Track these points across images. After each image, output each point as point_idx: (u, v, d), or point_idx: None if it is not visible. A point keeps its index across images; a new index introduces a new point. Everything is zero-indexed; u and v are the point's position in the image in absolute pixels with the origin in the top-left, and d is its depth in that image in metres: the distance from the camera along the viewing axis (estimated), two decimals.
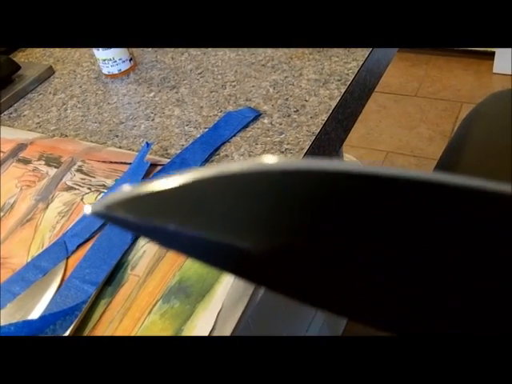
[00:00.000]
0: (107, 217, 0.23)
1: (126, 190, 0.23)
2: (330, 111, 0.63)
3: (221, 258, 0.24)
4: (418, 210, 0.20)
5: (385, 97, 2.15)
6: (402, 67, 2.29)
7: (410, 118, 2.05)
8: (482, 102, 0.88)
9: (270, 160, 0.21)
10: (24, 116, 0.75)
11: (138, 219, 0.22)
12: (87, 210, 0.23)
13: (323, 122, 0.62)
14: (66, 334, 0.45)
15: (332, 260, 0.22)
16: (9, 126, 0.74)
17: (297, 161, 0.21)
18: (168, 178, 0.22)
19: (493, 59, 2.17)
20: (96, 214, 0.23)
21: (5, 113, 0.77)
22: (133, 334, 0.45)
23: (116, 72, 0.78)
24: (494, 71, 2.18)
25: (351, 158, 1.60)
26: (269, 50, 0.77)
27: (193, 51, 0.81)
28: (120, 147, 0.66)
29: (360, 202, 0.20)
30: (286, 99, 0.67)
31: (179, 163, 0.60)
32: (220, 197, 0.22)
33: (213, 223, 0.22)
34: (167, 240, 0.25)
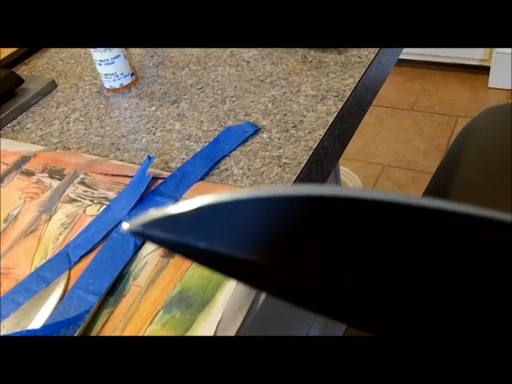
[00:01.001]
0: (143, 235, 0.25)
1: (160, 210, 0.25)
2: (328, 126, 0.65)
3: (239, 270, 0.26)
4: (407, 235, 0.21)
5: (381, 110, 2.17)
6: (398, 81, 2.31)
7: (406, 132, 2.07)
8: (476, 117, 0.90)
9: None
10: (27, 129, 0.77)
11: (171, 237, 0.25)
12: (125, 226, 0.25)
13: (321, 137, 0.63)
14: None
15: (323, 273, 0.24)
16: (12, 139, 0.75)
17: (306, 187, 0.23)
18: (195, 200, 0.24)
19: (488, 74, 2.20)
20: (133, 232, 0.25)
21: (8, 125, 0.78)
22: None
23: (118, 86, 0.80)
24: (490, 86, 2.20)
25: (348, 171, 1.61)
26: (267, 66, 0.79)
27: (193, 66, 0.83)
28: (122, 160, 0.67)
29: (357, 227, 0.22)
30: (285, 114, 0.68)
31: (180, 176, 0.62)
32: (241, 218, 0.24)
33: (235, 241, 0.24)
34: (196, 255, 0.27)
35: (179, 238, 0.24)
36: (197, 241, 0.24)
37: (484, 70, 2.23)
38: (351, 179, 1.61)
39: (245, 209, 0.23)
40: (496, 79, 2.18)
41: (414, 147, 1.99)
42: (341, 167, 1.48)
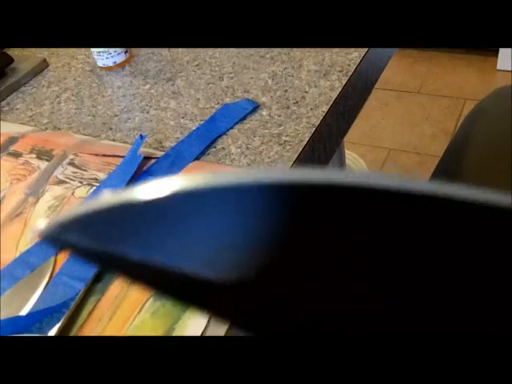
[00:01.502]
0: (58, 240, 0.18)
1: (84, 205, 0.17)
2: (331, 103, 0.61)
3: (197, 293, 0.21)
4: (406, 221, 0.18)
5: (387, 94, 2.13)
6: (404, 64, 2.27)
7: (413, 116, 2.03)
8: (484, 99, 0.87)
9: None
10: (17, 109, 0.73)
11: (91, 244, 0.18)
12: (35, 234, 0.18)
13: (324, 114, 0.60)
14: (53, 332, 0.43)
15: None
16: (1, 120, 0.72)
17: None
18: (141, 188, 0.17)
19: (497, 56, 2.15)
20: (45, 238, 0.18)
21: None
22: (123, 333, 0.43)
23: (111, 64, 0.76)
24: (498, 68, 2.16)
25: (353, 156, 1.58)
26: None
27: None
28: (114, 140, 0.64)
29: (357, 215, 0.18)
30: (286, 91, 0.65)
31: (174, 156, 0.58)
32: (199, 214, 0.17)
33: (189, 252, 0.18)
34: (130, 271, 0.20)
35: (102, 246, 0.18)
36: (129, 249, 0.18)
37: (492, 52, 2.18)
38: (357, 164, 1.57)
39: (214, 201, 0.17)
40: (504, 61, 2.13)
41: (420, 131, 1.95)
42: (346, 151, 1.44)
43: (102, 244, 0.18)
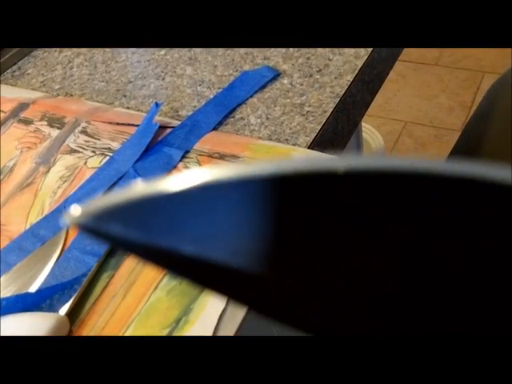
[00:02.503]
0: (97, 232, 0.16)
1: (126, 192, 0.16)
2: (356, 71, 0.58)
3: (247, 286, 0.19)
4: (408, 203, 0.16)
5: (404, 65, 2.09)
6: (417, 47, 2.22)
7: (430, 88, 1.99)
8: (508, 71, 0.84)
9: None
10: (28, 74, 0.71)
11: (139, 236, 0.16)
12: (69, 217, 0.16)
13: (348, 83, 0.57)
14: (65, 309, 0.41)
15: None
16: (11, 85, 0.69)
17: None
18: (185, 175, 0.16)
19: None
20: (83, 229, 0.16)
21: (8, 71, 0.72)
22: (136, 312, 0.41)
23: None
24: None
25: (369, 128, 1.55)
26: None
27: None
28: (128, 108, 0.61)
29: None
30: (308, 58, 0.62)
31: (191, 125, 0.56)
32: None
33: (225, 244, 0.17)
34: (178, 265, 0.19)
35: (153, 239, 0.16)
36: (180, 244, 0.16)
37: None
38: (372, 136, 1.54)
39: (242, 193, 0.16)
40: None
41: (437, 104, 1.92)
42: (362, 123, 1.41)
43: (151, 236, 0.16)
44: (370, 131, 1.57)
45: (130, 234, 0.16)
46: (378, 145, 1.52)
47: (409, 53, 2.13)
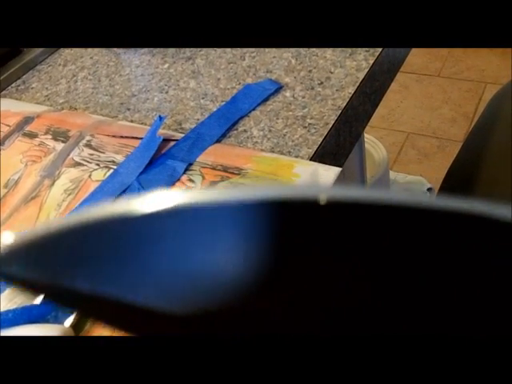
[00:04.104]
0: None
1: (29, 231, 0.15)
2: (358, 84, 0.59)
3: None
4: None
5: (406, 76, 2.09)
6: (423, 48, 2.23)
7: (432, 99, 1.99)
8: (510, 82, 0.85)
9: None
10: (32, 88, 0.72)
11: (36, 275, 0.15)
12: None
13: (350, 96, 0.57)
14: (70, 321, 0.41)
15: None
16: (16, 99, 0.70)
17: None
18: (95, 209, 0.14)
19: None
20: None
21: (12, 85, 0.73)
22: None
23: None
24: None
25: (372, 139, 1.55)
26: None
27: None
28: (132, 121, 0.62)
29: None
30: (310, 71, 0.62)
31: (194, 138, 0.56)
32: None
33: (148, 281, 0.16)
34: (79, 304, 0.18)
35: (49, 276, 0.15)
36: (78, 279, 0.15)
37: None
38: (375, 147, 1.54)
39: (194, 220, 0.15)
40: None
41: (440, 115, 1.92)
42: (365, 135, 1.41)
43: (48, 274, 0.15)
44: (373, 142, 1.57)
45: (27, 273, 0.15)
46: (381, 156, 1.52)
47: (411, 64, 2.13)
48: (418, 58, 2.17)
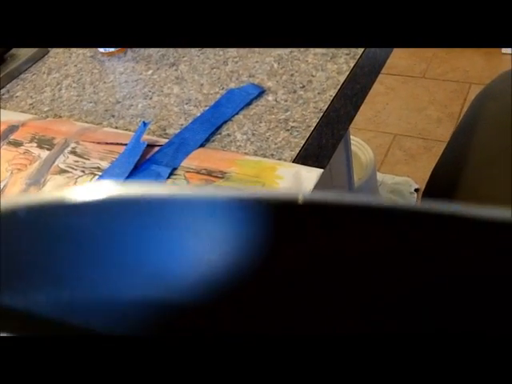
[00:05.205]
0: None
1: None
2: (339, 87, 0.59)
3: None
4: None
5: (392, 78, 2.11)
6: (409, 48, 2.25)
7: (418, 100, 2.00)
8: (492, 82, 0.85)
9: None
10: (17, 97, 0.72)
11: None
12: None
13: (331, 98, 0.58)
14: None
15: None
16: (1, 108, 0.70)
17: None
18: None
19: None
20: None
21: None
22: None
23: (112, 50, 0.75)
24: (503, 51, 2.13)
25: (358, 141, 1.56)
26: None
27: None
28: (116, 127, 0.62)
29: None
30: (292, 75, 0.63)
31: (178, 143, 0.57)
32: None
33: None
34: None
35: None
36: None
37: None
38: (362, 149, 1.55)
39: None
40: None
41: (426, 116, 1.93)
42: (351, 137, 1.42)
43: None
44: (360, 144, 1.58)
45: None
46: (368, 158, 1.53)
47: (397, 66, 2.15)
48: (403, 59, 2.19)
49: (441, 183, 0.76)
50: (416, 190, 1.64)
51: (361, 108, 0.67)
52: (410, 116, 1.94)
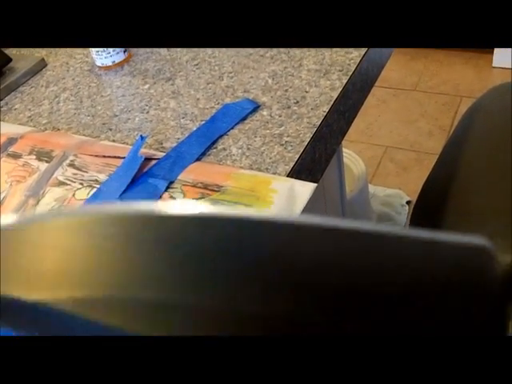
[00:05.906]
0: None
1: None
2: (332, 102, 0.61)
3: None
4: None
5: (384, 91, 2.13)
6: (400, 61, 2.27)
7: (409, 113, 2.03)
8: (482, 96, 0.87)
9: None
10: (15, 110, 0.73)
11: None
12: None
13: (324, 114, 0.60)
14: None
15: None
16: None
17: None
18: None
19: (492, 53, 2.15)
20: None
21: None
22: None
23: (110, 64, 0.76)
24: (494, 65, 2.16)
25: (350, 153, 1.57)
26: None
27: None
28: (114, 141, 0.63)
29: None
30: (286, 90, 0.65)
31: (175, 157, 0.58)
32: None
33: None
34: None
35: None
36: None
37: (488, 50, 2.18)
38: (354, 162, 1.57)
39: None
40: (500, 58, 2.13)
41: (417, 128, 1.95)
42: (343, 149, 1.43)
43: None
44: (352, 157, 1.60)
45: None
46: (360, 170, 1.54)
47: (388, 79, 2.17)
48: (394, 72, 2.21)
49: (432, 196, 0.77)
50: (407, 203, 1.66)
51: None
52: (402, 128, 1.96)
